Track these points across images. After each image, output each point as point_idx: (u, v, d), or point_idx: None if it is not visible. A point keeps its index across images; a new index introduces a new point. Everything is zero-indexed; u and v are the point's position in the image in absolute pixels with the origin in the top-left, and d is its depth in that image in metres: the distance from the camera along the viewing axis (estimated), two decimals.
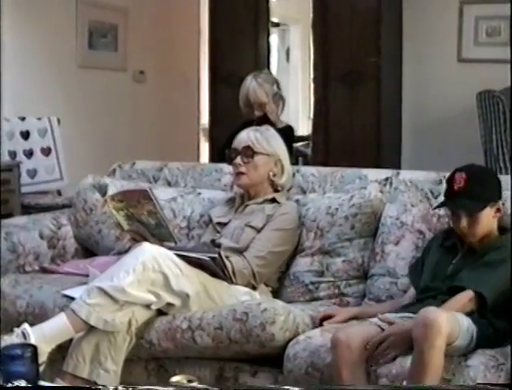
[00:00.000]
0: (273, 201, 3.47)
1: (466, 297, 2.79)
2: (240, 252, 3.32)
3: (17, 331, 2.90)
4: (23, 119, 5.33)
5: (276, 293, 3.38)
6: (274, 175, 3.51)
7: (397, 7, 6.10)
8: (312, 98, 6.17)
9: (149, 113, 6.62)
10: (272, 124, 4.15)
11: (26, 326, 2.92)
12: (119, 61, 6.37)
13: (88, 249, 3.94)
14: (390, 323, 2.78)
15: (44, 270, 3.73)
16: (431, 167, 3.80)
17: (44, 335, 2.91)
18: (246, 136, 3.50)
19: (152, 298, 3.04)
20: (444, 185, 3.12)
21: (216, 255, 3.14)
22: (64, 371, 3.02)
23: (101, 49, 6.19)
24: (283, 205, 3.45)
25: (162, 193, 3.73)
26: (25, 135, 5.32)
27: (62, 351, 3.01)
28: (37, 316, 3.24)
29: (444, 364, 2.58)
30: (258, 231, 3.37)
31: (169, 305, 3.09)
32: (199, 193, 3.79)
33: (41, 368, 2.77)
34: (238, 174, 3.47)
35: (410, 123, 6.25)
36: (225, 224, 3.49)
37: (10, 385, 2.16)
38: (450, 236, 3.03)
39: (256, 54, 6.33)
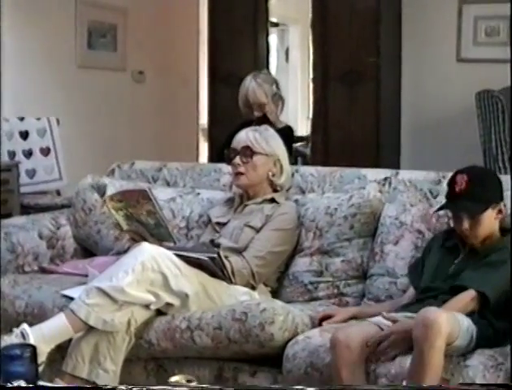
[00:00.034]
0: (272, 201, 3.47)
1: (468, 297, 2.79)
2: (239, 252, 3.32)
3: (16, 331, 2.90)
4: (22, 119, 5.32)
5: (275, 293, 3.38)
6: (273, 175, 3.50)
7: (396, 7, 6.10)
8: (311, 98, 6.17)
9: (148, 113, 6.61)
10: (272, 124, 4.14)
11: (25, 326, 2.92)
12: (118, 61, 6.36)
13: (87, 249, 3.94)
14: (394, 321, 2.78)
15: (43, 271, 3.73)
16: (430, 167, 3.80)
17: (43, 336, 2.91)
18: (245, 136, 3.49)
19: (151, 298, 3.04)
20: (443, 185, 3.12)
21: (215, 255, 3.14)
22: (63, 371, 3.01)
23: (100, 49, 6.18)
24: (282, 205, 3.45)
25: (161, 193, 3.73)
26: (24, 135, 5.31)
27: (61, 351, 3.01)
28: (36, 316, 3.24)
29: (443, 364, 2.58)
30: (257, 231, 3.37)
31: (168, 305, 3.08)
32: (198, 193, 3.79)
33: (41, 368, 2.76)
34: (237, 174, 3.47)
35: (409, 123, 6.24)
36: (224, 224, 3.49)
37: (9, 385, 2.16)
38: (451, 237, 3.02)
39: (255, 54, 6.32)
